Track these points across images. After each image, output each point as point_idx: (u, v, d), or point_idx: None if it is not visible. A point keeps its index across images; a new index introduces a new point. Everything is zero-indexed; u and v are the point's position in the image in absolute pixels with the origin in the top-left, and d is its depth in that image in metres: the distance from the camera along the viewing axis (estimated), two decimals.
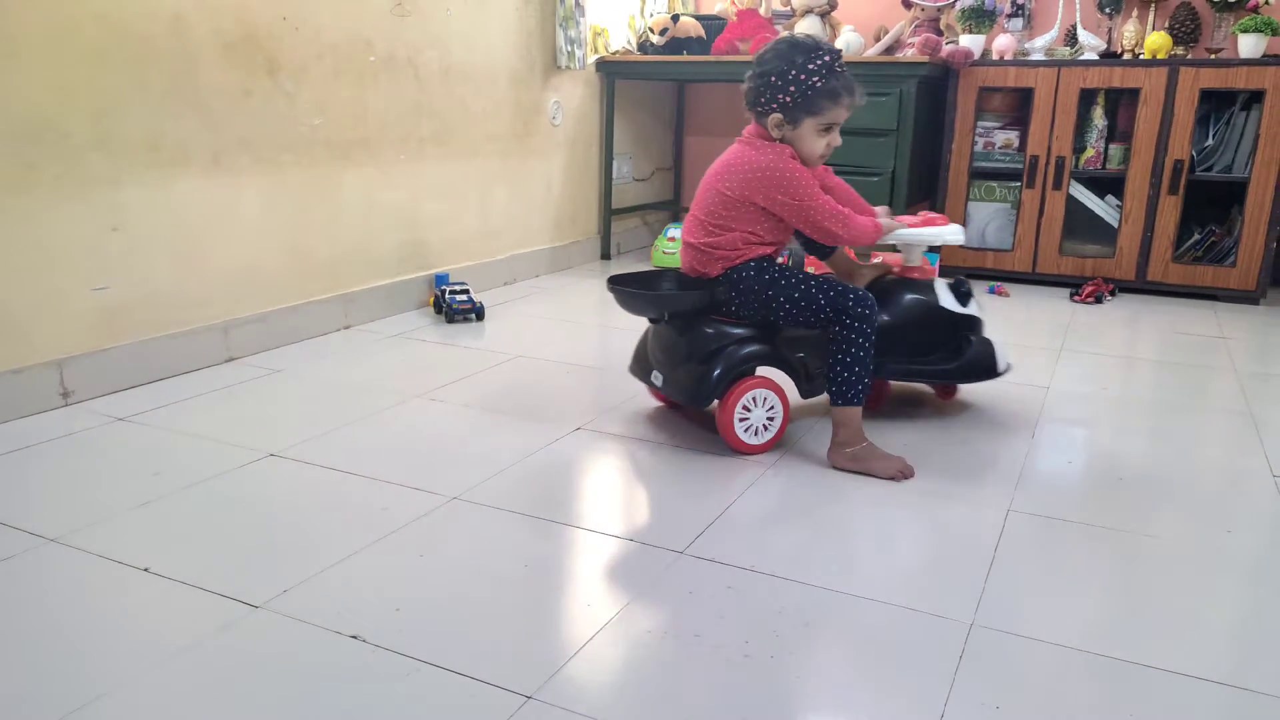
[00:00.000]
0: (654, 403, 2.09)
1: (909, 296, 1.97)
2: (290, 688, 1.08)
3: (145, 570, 1.32)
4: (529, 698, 1.06)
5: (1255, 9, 3.21)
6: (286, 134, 2.42)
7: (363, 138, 2.66)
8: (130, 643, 1.16)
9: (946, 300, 1.97)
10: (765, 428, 1.82)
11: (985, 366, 1.98)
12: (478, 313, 2.80)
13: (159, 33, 2.07)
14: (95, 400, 2.01)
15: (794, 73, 1.70)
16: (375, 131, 2.70)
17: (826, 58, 1.71)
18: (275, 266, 2.45)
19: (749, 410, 1.80)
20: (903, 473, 1.69)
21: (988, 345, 1.98)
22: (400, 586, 1.30)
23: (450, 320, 2.78)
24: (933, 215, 1.99)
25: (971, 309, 1.99)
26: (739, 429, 1.80)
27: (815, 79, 1.70)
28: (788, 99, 1.71)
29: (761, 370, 1.86)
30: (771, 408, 1.82)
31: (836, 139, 1.77)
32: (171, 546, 1.40)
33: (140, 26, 2.03)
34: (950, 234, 1.98)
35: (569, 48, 3.42)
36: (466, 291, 2.83)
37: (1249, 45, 3.15)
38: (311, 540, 1.42)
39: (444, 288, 2.85)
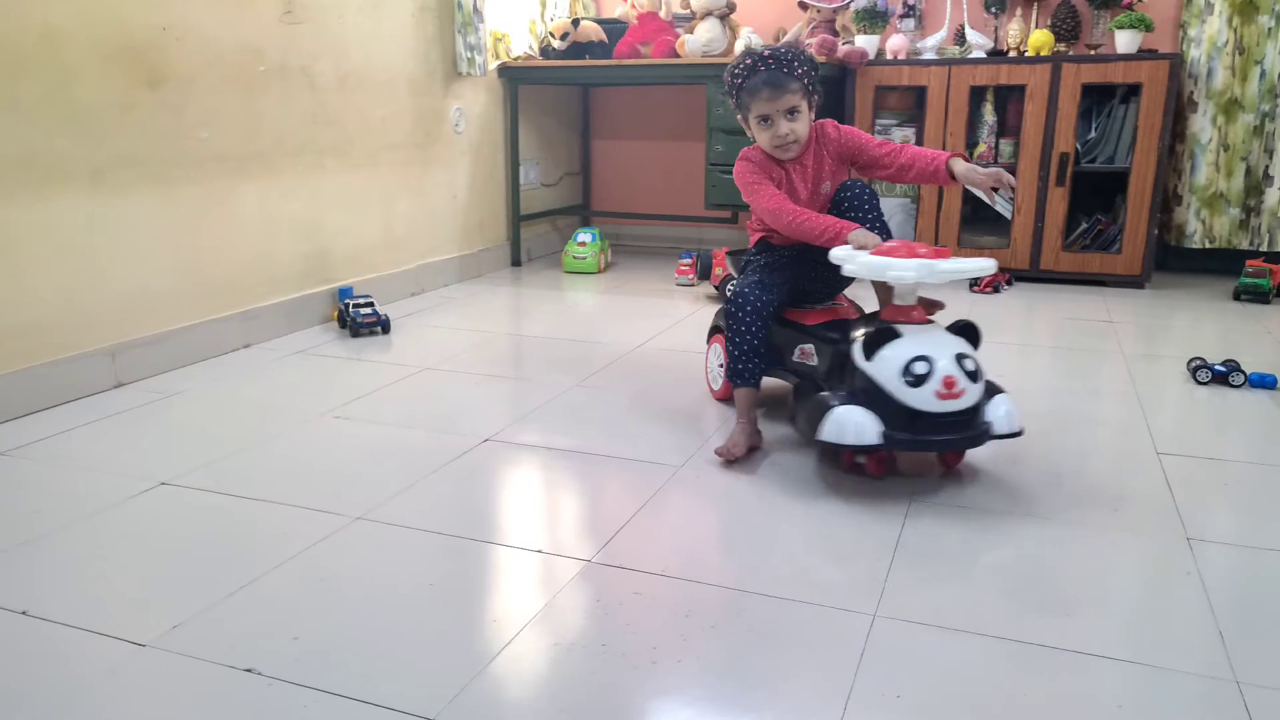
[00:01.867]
0: (563, 410, 2.08)
1: (832, 332, 1.78)
2: None
3: (23, 614, 1.25)
4: None
5: (1130, 6, 3.37)
6: (173, 148, 2.33)
7: (257, 150, 2.58)
8: (4, 693, 1.09)
9: (856, 352, 1.66)
10: (720, 377, 2.08)
11: (806, 422, 1.68)
12: (383, 326, 2.74)
13: (29, 44, 1.97)
14: None
15: (728, 77, 1.92)
16: (270, 143, 2.63)
17: (749, 61, 1.87)
18: (167, 285, 2.35)
19: (712, 360, 2.15)
20: (725, 451, 1.78)
21: (821, 406, 1.63)
22: (299, 614, 1.26)
23: (355, 334, 2.72)
24: (915, 246, 1.64)
25: (870, 366, 1.61)
26: (710, 372, 2.17)
27: (737, 79, 1.89)
28: (732, 101, 1.93)
29: None
30: (723, 364, 2.00)
31: (781, 128, 1.86)
32: (52, 587, 1.33)
33: (7, 37, 1.93)
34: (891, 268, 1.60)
35: (469, 54, 3.38)
36: (371, 304, 2.77)
37: (1125, 41, 3.31)
38: (205, 572, 1.37)
39: (348, 301, 2.79)
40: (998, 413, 1.63)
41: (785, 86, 1.84)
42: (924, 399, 1.56)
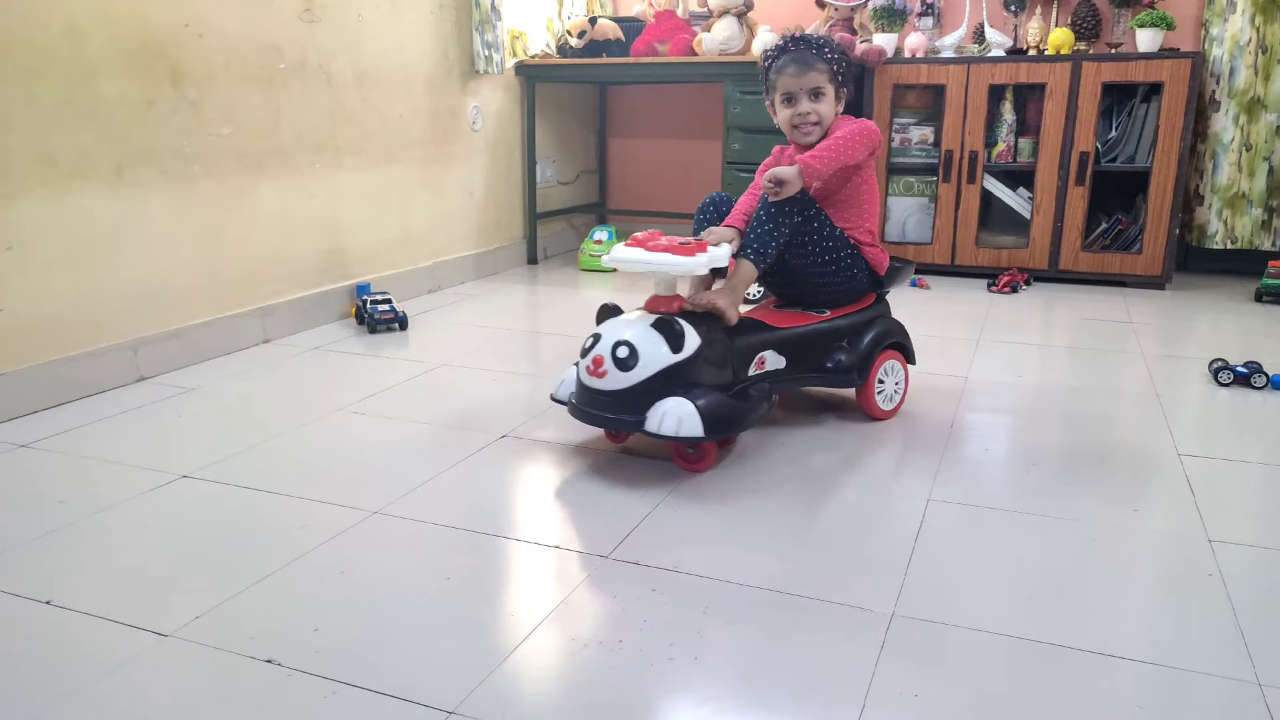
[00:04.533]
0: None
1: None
2: (200, 718, 1.04)
3: (47, 603, 1.27)
4: (451, 713, 1.04)
5: (1151, 5, 3.34)
6: (193, 144, 2.34)
7: (276, 147, 2.60)
8: (28, 680, 1.10)
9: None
10: None
11: None
12: (401, 322, 2.75)
13: (51, 42, 1.99)
14: None
15: (760, 62, 1.99)
16: (289, 140, 2.64)
17: (780, 42, 1.95)
18: (186, 281, 2.37)
19: None
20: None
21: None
22: (318, 606, 1.26)
23: (373, 331, 2.73)
24: (690, 241, 1.74)
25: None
26: None
27: (767, 62, 1.96)
28: (765, 88, 1.98)
29: None
30: None
31: (803, 105, 1.90)
32: (76, 577, 1.34)
33: (31, 35, 1.95)
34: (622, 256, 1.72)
35: (486, 52, 3.39)
36: (389, 301, 2.78)
37: (1146, 39, 3.28)
38: (225, 563, 1.38)
39: (365, 298, 2.80)
40: (658, 411, 1.64)
41: (811, 65, 1.88)
42: (582, 372, 1.73)
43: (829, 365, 1.92)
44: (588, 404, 1.72)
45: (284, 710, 1.05)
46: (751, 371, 1.82)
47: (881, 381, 1.99)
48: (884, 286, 2.05)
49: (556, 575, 1.36)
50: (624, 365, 1.66)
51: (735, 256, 1.82)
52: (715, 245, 1.79)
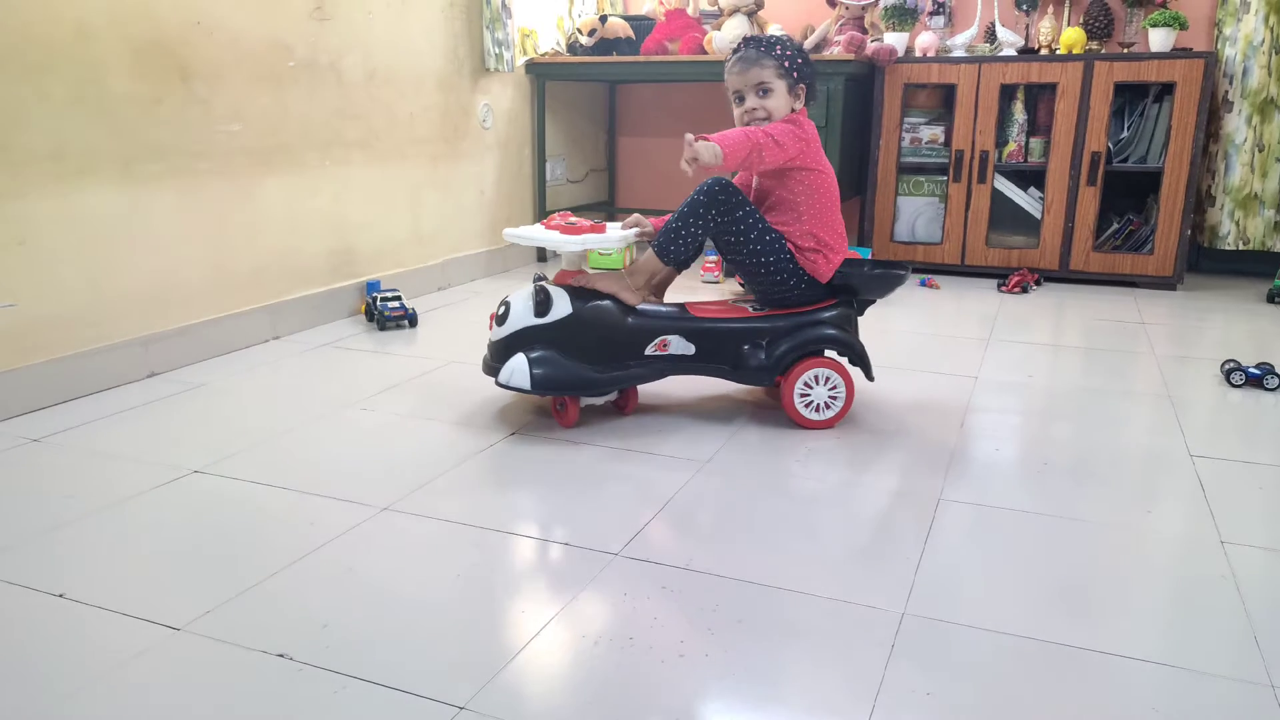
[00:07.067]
0: (592, 404, 2.07)
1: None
2: (213, 711, 1.04)
3: (60, 596, 1.27)
4: (461, 708, 1.04)
5: (1164, 4, 3.32)
6: (202, 141, 2.35)
7: (284, 144, 2.60)
8: (42, 672, 1.11)
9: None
10: None
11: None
12: (410, 319, 2.76)
13: (61, 39, 2.00)
14: (6, 422, 1.93)
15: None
16: (297, 138, 2.64)
17: (735, 46, 1.98)
18: (195, 277, 2.38)
19: None
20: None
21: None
22: (328, 601, 1.27)
23: (383, 328, 2.73)
24: (577, 222, 1.96)
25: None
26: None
27: (726, 64, 1.99)
28: None
29: None
30: None
31: (749, 102, 1.93)
32: (88, 570, 1.35)
33: (41, 33, 1.96)
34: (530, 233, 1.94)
35: (497, 50, 3.39)
36: (399, 298, 2.79)
37: (1159, 39, 3.26)
38: (236, 558, 1.38)
39: (375, 295, 2.80)
40: (508, 365, 1.87)
41: (754, 62, 1.91)
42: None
43: (750, 363, 1.92)
44: (487, 353, 1.98)
45: (295, 704, 1.05)
46: (651, 351, 1.93)
47: (808, 389, 1.92)
48: (856, 294, 1.97)
49: (567, 573, 1.36)
50: (500, 321, 1.92)
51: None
52: (626, 230, 1.96)
